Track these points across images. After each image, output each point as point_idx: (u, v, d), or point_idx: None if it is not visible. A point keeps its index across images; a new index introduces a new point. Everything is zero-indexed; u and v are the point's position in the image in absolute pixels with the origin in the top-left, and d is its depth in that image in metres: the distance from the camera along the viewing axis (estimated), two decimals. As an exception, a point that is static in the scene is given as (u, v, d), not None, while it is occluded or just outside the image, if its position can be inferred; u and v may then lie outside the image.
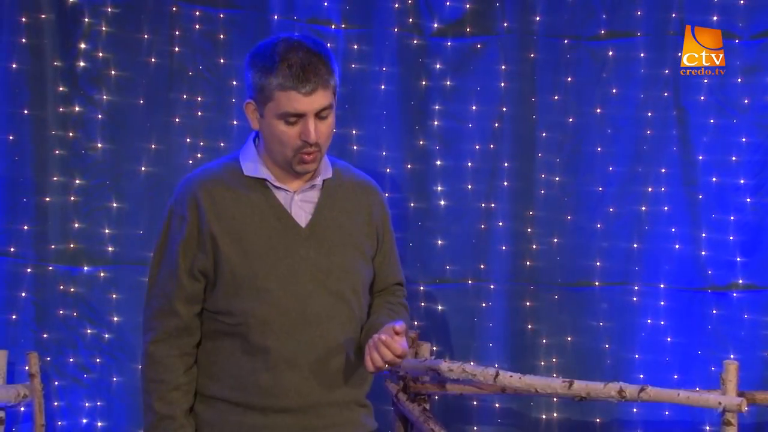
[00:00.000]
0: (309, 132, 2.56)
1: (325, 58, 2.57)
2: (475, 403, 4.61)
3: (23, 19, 4.21)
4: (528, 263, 4.65)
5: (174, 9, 4.38)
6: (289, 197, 2.65)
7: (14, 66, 4.21)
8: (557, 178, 4.67)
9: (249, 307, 2.58)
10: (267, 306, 2.58)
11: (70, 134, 4.29)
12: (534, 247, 4.66)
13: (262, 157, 2.66)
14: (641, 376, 4.57)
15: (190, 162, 4.38)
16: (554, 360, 4.63)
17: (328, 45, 4.50)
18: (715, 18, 4.60)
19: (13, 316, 4.22)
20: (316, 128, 2.56)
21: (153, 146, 4.37)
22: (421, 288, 4.61)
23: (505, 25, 4.65)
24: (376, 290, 2.81)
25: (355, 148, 4.57)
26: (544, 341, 4.64)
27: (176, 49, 4.39)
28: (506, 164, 4.65)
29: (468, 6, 4.65)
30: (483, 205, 4.65)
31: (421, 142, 4.65)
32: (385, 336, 2.49)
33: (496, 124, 4.66)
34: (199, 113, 4.43)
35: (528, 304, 4.65)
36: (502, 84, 4.65)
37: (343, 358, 2.64)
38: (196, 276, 2.61)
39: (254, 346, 2.58)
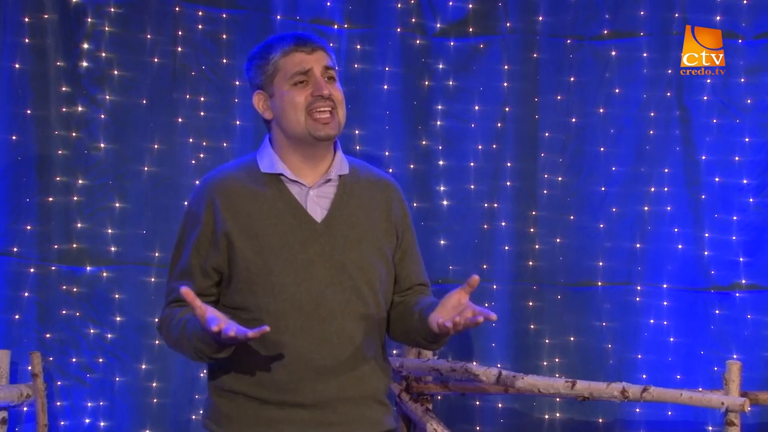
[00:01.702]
0: (319, 83, 2.64)
1: (320, 38, 2.72)
2: (477, 403, 4.61)
3: (26, 19, 4.20)
4: (531, 263, 4.65)
5: (177, 9, 4.38)
6: (304, 192, 2.68)
7: (17, 66, 4.20)
8: (560, 178, 4.66)
9: (263, 302, 2.62)
10: (281, 301, 2.61)
11: (73, 134, 4.29)
12: (537, 247, 4.65)
13: (278, 152, 2.71)
14: (644, 376, 4.56)
15: (193, 162, 4.38)
16: (557, 360, 4.63)
17: (331, 45, 4.56)
18: (718, 18, 4.60)
19: (16, 316, 4.21)
20: (328, 87, 2.65)
21: (156, 146, 4.37)
22: (424, 288, 4.60)
23: (508, 25, 4.65)
24: (400, 290, 2.81)
25: (358, 148, 4.57)
26: (546, 341, 4.64)
27: (179, 49, 4.39)
28: (509, 164, 4.65)
29: (471, 6, 4.65)
30: (486, 205, 4.65)
31: (423, 142, 4.65)
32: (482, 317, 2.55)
33: (499, 124, 4.66)
34: (202, 113, 4.43)
35: (531, 304, 4.64)
36: (505, 84, 4.65)
37: (359, 354, 2.65)
38: (209, 273, 2.67)
39: (269, 341, 2.60)
